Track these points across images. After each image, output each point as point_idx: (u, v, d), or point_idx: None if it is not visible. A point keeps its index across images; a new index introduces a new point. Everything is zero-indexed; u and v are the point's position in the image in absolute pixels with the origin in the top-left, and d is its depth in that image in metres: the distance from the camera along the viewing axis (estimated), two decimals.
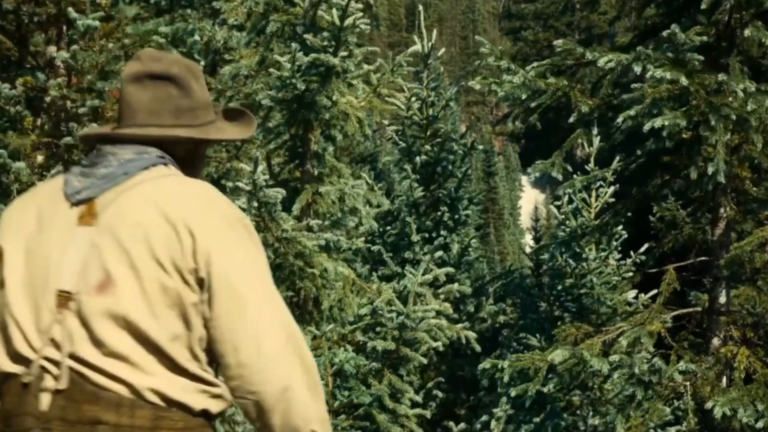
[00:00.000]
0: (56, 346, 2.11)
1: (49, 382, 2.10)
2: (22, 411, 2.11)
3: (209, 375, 2.17)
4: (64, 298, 2.11)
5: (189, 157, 2.35)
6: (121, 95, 2.32)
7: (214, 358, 2.16)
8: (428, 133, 9.01)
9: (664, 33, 6.93)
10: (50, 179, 2.50)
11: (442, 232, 8.56)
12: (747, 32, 7.03)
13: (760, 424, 6.39)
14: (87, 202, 2.18)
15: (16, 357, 2.14)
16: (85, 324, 2.09)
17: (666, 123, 6.61)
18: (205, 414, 2.16)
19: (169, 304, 2.09)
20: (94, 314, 2.08)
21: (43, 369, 2.10)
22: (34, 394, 2.10)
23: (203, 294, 2.10)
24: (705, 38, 7.04)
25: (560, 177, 7.53)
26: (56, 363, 2.09)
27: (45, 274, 2.14)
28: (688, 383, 6.86)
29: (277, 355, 2.11)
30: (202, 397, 2.15)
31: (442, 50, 9.77)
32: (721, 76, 6.83)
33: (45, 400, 2.09)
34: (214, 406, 2.17)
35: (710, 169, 6.66)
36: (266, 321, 2.11)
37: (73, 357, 2.09)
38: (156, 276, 2.07)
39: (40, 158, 8.45)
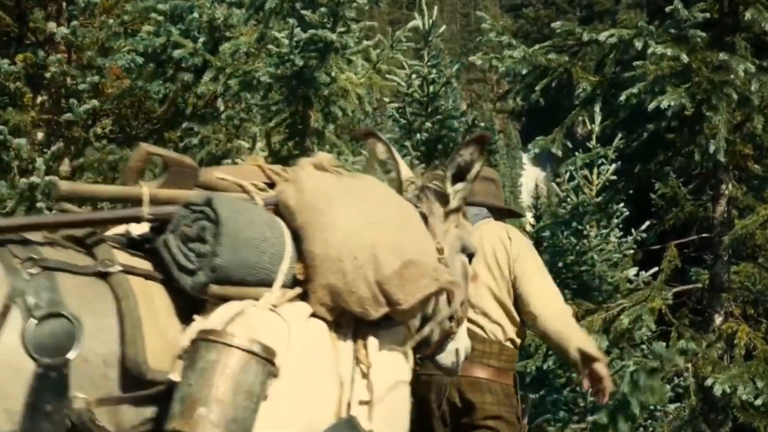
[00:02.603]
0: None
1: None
2: None
3: (520, 323, 4.05)
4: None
5: (495, 217, 4.29)
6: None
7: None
8: (429, 110, 8.98)
9: (667, 9, 6.90)
10: None
11: None
12: (748, 14, 6.99)
13: (759, 402, 6.39)
14: None
15: None
16: (468, 300, 3.37)
17: (672, 103, 6.58)
18: (516, 345, 4.10)
19: (504, 286, 4.01)
20: (471, 294, 3.51)
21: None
22: None
23: (515, 278, 4.01)
24: (708, 15, 7.00)
25: (560, 153, 7.50)
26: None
27: None
28: (689, 364, 6.87)
29: (556, 312, 3.96)
30: (516, 335, 4.06)
31: (443, 27, 9.71)
32: (723, 55, 6.79)
33: None
34: (519, 340, 4.12)
35: (711, 148, 6.64)
36: (546, 293, 4.01)
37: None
38: (498, 271, 4.01)
39: (40, 135, 8.43)
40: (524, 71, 7.48)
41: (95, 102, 7.57)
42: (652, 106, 6.70)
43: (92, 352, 2.26)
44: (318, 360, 2.48)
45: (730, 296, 7.48)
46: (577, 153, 8.86)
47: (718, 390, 6.38)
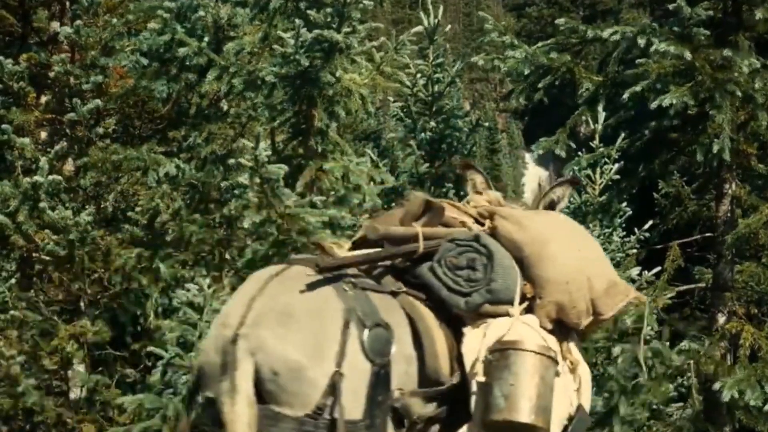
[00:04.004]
0: None
1: None
2: None
3: None
4: None
5: None
6: None
7: None
8: (433, 109, 8.97)
9: (670, 7, 6.90)
10: None
11: None
12: (759, 14, 6.98)
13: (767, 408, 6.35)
14: None
15: None
16: None
17: (674, 101, 6.58)
18: None
19: None
20: None
21: None
22: None
23: None
24: (711, 13, 6.99)
25: (563, 154, 7.51)
26: None
27: None
28: (691, 361, 6.85)
29: None
30: None
31: (448, 27, 9.70)
32: (726, 52, 6.78)
33: None
34: None
35: (715, 147, 6.63)
36: None
37: None
38: None
39: (43, 134, 8.45)
40: (526, 71, 7.48)
41: (99, 101, 7.57)
42: (654, 104, 6.70)
43: (399, 353, 2.92)
44: None
45: (733, 296, 7.47)
46: (580, 153, 8.84)
47: (726, 396, 6.35)
